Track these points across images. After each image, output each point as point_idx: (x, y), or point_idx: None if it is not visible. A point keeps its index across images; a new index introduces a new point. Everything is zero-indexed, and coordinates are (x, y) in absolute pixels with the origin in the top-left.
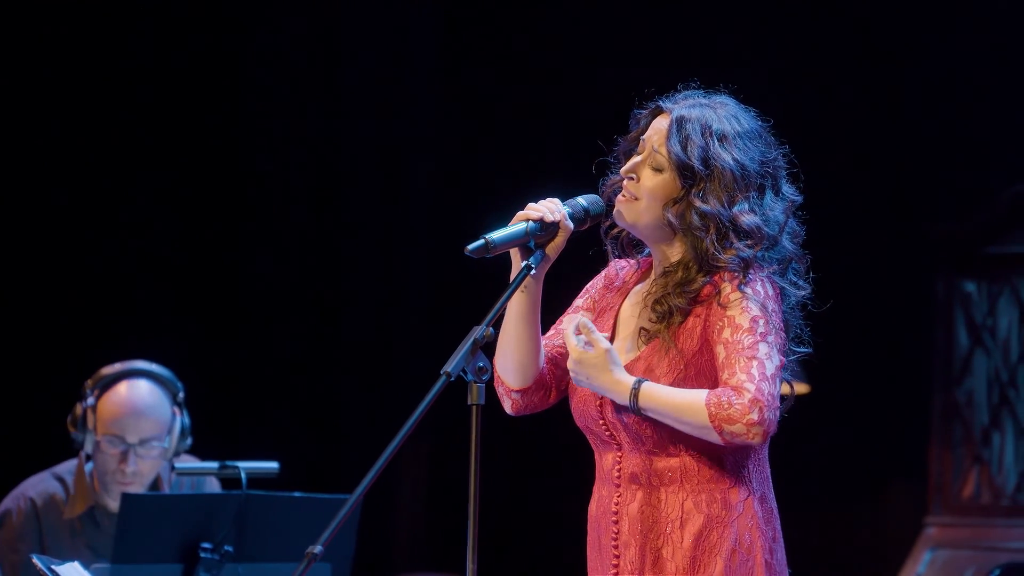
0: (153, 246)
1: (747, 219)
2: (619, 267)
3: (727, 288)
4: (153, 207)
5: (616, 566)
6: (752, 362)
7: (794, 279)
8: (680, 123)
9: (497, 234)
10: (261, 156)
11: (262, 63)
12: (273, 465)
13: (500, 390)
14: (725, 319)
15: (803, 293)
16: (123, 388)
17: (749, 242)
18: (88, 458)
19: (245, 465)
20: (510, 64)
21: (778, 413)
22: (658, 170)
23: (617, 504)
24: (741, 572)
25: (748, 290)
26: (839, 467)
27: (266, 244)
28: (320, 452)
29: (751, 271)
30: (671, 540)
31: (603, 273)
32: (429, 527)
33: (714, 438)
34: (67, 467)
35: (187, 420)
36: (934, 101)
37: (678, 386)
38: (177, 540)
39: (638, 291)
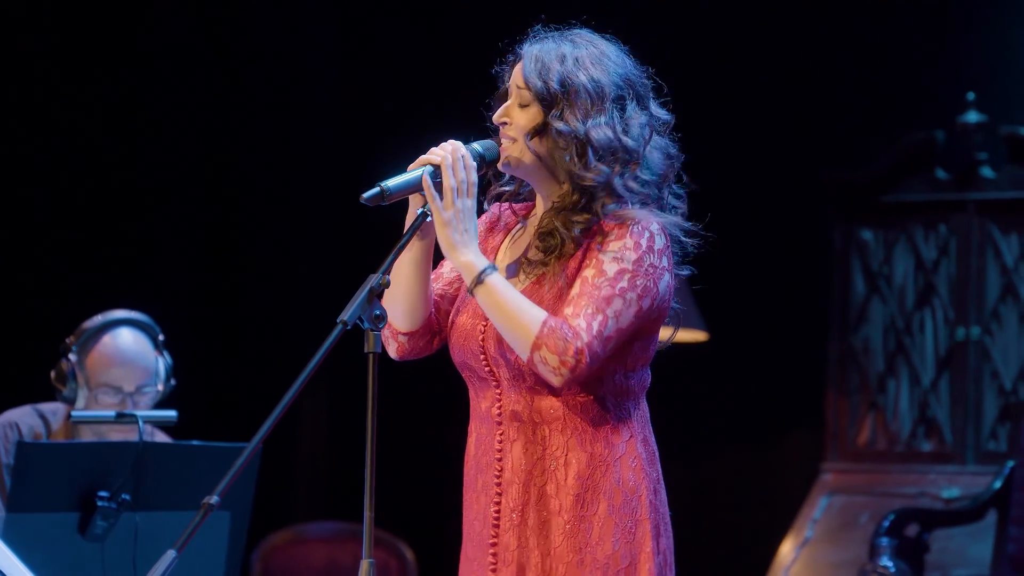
0: (55, 184)
1: (599, 133)
2: (499, 211)
3: (615, 233)
4: (58, 145)
5: (498, 504)
6: (598, 315)
7: (675, 202)
8: (536, 55)
9: (392, 181)
10: (159, 104)
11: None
12: (171, 413)
13: (386, 333)
14: (596, 259)
15: (686, 224)
16: (109, 339)
17: (609, 160)
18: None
19: (143, 414)
20: (412, 11)
21: (588, 373)
22: (525, 106)
23: (500, 443)
24: (624, 512)
25: (631, 241)
26: (736, 413)
27: (165, 194)
28: (218, 400)
29: (643, 220)
30: (555, 478)
31: (482, 219)
32: (328, 475)
33: (522, 353)
34: (51, 407)
35: (170, 361)
36: (831, 48)
37: None
38: (74, 488)
39: (519, 229)
